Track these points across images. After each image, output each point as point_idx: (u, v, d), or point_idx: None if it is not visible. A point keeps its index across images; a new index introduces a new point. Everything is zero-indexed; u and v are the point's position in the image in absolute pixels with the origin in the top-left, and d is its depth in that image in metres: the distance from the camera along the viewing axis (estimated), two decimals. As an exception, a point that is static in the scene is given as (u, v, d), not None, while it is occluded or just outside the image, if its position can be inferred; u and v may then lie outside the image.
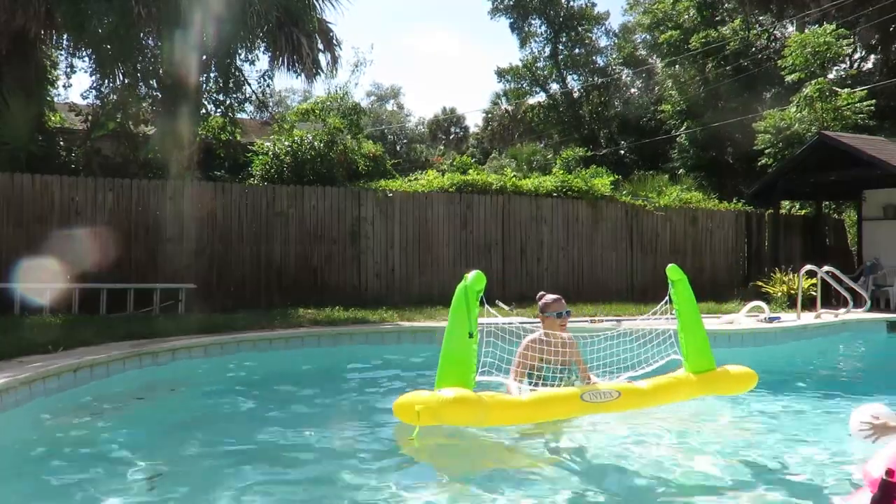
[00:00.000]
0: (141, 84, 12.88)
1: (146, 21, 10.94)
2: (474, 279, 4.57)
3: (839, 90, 19.56)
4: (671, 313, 5.39)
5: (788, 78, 21.19)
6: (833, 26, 20.64)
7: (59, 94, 15.23)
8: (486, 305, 4.95)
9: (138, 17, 10.70)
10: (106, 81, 12.87)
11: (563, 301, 5.43)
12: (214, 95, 13.79)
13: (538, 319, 5.57)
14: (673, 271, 5.40)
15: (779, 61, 21.80)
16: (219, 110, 14.13)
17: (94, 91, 13.26)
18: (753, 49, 26.08)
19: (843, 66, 24.32)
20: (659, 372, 5.37)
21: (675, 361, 5.44)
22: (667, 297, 5.48)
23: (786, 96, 21.89)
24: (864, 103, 18.99)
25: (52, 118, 14.24)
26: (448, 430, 4.80)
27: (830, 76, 21.38)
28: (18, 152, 11.25)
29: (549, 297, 5.43)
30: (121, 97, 12.99)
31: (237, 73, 13.48)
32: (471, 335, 4.47)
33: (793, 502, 3.80)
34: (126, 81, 12.57)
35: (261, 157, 14.36)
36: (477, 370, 4.62)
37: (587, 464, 4.57)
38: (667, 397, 5.25)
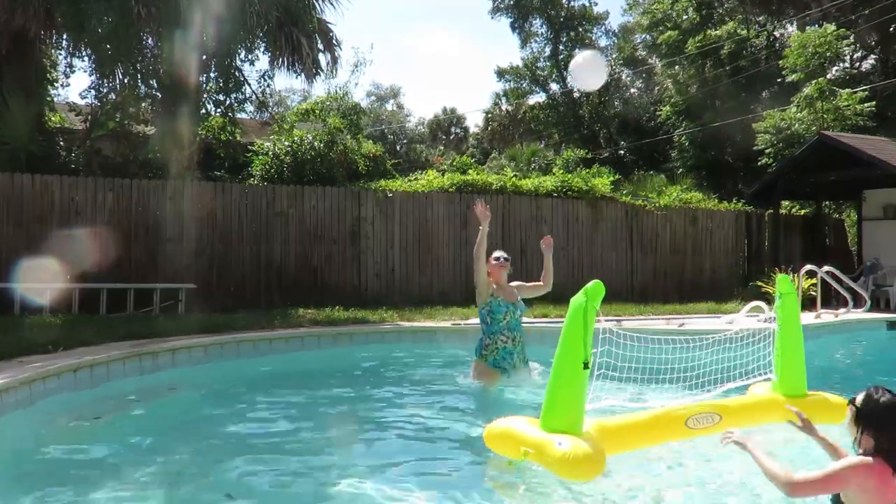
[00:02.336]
0: (141, 84, 12.89)
1: (146, 21, 10.95)
2: (593, 292, 3.85)
3: (839, 90, 19.56)
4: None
5: (789, 78, 21.19)
6: (834, 27, 20.64)
7: (58, 94, 15.24)
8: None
9: (138, 17, 10.70)
10: (105, 81, 12.88)
11: (503, 252, 6.69)
12: (214, 95, 13.79)
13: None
14: (783, 283, 5.04)
15: (780, 61, 21.78)
16: (219, 110, 14.13)
17: (93, 91, 13.28)
18: (753, 49, 26.08)
19: (844, 66, 24.31)
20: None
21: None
22: (772, 311, 5.17)
23: (785, 96, 21.89)
24: (865, 105, 19.00)
25: (52, 118, 14.24)
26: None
27: (830, 76, 21.38)
28: (18, 152, 11.25)
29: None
30: (120, 97, 12.99)
31: (237, 73, 13.48)
32: (586, 365, 3.78)
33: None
34: (126, 81, 12.57)
35: (261, 157, 14.36)
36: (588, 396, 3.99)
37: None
38: (758, 420, 4.87)
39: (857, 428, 3.17)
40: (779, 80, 23.39)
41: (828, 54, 20.43)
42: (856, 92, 19.50)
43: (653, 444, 4.40)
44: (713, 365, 5.20)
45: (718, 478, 4.20)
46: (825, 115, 18.93)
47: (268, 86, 14.82)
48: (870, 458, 3.06)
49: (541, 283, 6.71)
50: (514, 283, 6.70)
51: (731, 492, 4.00)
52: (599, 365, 4.40)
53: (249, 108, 15.69)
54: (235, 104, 14.19)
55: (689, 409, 4.52)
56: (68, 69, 14.10)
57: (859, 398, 3.18)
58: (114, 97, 13.15)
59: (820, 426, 4.82)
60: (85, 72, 14.29)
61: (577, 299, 3.86)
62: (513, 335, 6.29)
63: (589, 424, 3.96)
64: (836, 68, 22.70)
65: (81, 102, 14.09)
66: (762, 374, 5.21)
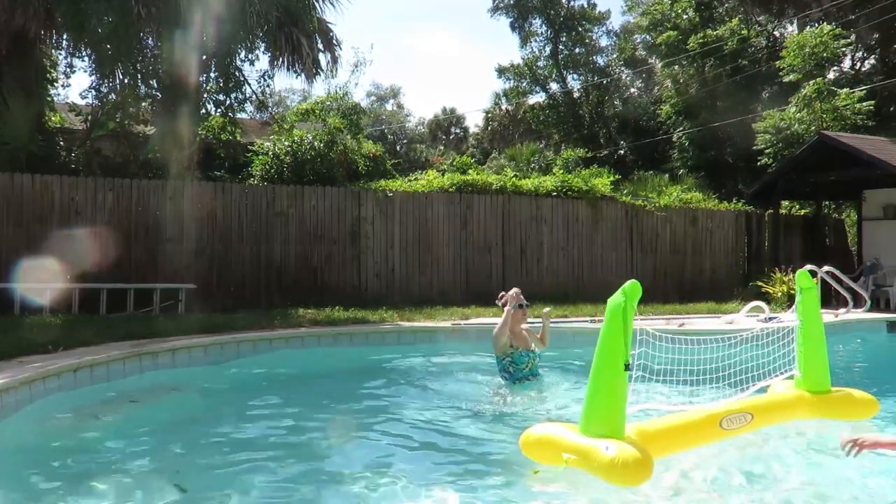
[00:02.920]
0: (141, 84, 12.88)
1: (146, 21, 10.94)
2: (631, 291, 3.75)
3: (838, 90, 19.56)
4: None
5: (787, 78, 21.18)
6: (830, 27, 20.63)
7: (58, 94, 15.23)
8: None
9: (138, 17, 10.69)
10: (106, 81, 12.88)
11: (522, 295, 6.38)
12: (214, 95, 13.79)
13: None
14: (803, 278, 5.02)
15: (777, 62, 21.77)
16: (219, 110, 14.13)
17: (93, 91, 13.27)
18: (753, 49, 26.07)
19: (844, 66, 24.30)
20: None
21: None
22: (794, 307, 5.13)
23: (785, 96, 21.88)
24: (864, 104, 18.99)
25: (52, 118, 14.24)
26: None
27: (829, 76, 21.36)
28: (18, 152, 11.25)
29: (512, 291, 6.35)
30: (120, 97, 12.99)
31: (237, 73, 13.48)
32: (627, 367, 3.72)
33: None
34: (126, 81, 12.57)
35: (261, 157, 14.36)
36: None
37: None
38: (787, 417, 4.87)
39: None
40: (778, 80, 23.38)
41: (825, 54, 20.41)
42: (854, 91, 19.49)
43: (689, 446, 4.33)
44: (734, 358, 5.13)
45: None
46: (824, 116, 18.93)
47: (268, 86, 14.83)
48: None
49: (541, 341, 6.50)
50: (524, 327, 6.54)
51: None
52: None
53: (249, 108, 15.71)
54: (235, 104, 14.19)
55: (722, 410, 4.45)
56: (68, 69, 14.11)
57: None
58: (114, 97, 13.14)
59: (843, 422, 4.87)
60: (85, 72, 14.30)
61: (615, 300, 3.74)
62: (536, 379, 6.33)
63: (629, 428, 3.86)
64: (834, 68, 22.67)
65: (81, 102, 14.10)
66: (786, 371, 5.17)
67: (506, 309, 6.21)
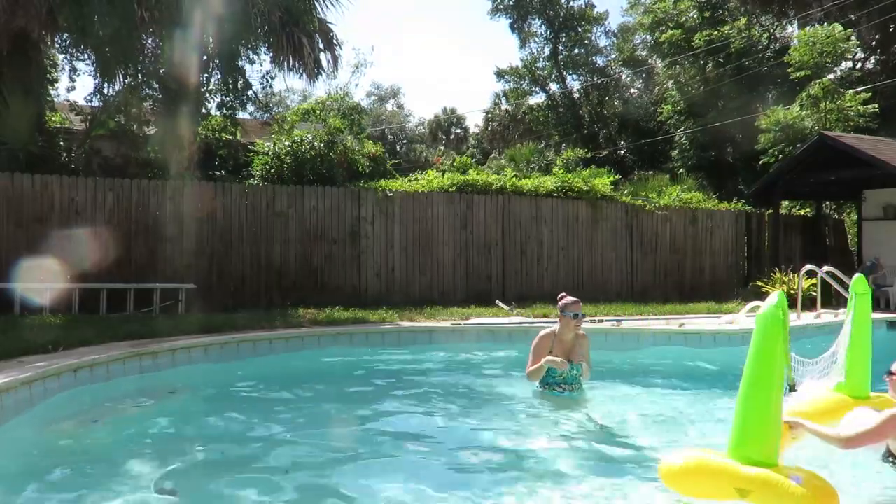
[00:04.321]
0: (143, 86, 12.88)
1: (148, 23, 10.93)
2: (783, 303, 3.37)
3: (843, 90, 19.53)
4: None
5: (794, 76, 21.06)
6: (840, 26, 20.59)
7: (59, 95, 15.24)
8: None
9: (141, 21, 10.69)
10: (108, 84, 12.87)
11: (581, 304, 6.08)
12: (216, 96, 13.79)
13: (553, 319, 6.02)
14: (859, 283, 5.08)
15: (785, 58, 21.67)
16: (221, 111, 14.14)
17: (98, 94, 13.24)
18: (754, 49, 26.04)
19: (848, 65, 24.26)
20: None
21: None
22: (849, 308, 5.14)
23: (787, 96, 21.85)
24: (868, 106, 18.96)
25: (52, 118, 14.23)
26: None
27: (832, 76, 21.33)
28: (18, 152, 11.25)
29: (569, 298, 6.06)
30: (123, 99, 12.99)
31: (239, 74, 13.48)
32: (792, 388, 3.55)
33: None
34: (128, 83, 12.57)
35: (261, 157, 14.36)
36: None
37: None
38: (830, 421, 4.67)
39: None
40: (782, 80, 23.35)
41: (835, 52, 20.34)
42: (859, 92, 19.47)
43: None
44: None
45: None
46: (828, 116, 18.91)
47: (270, 86, 14.84)
48: None
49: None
50: (581, 332, 6.14)
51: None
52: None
53: (250, 108, 15.71)
54: (236, 104, 14.20)
55: (791, 419, 4.25)
56: (73, 73, 14.06)
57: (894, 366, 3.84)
58: (116, 99, 13.14)
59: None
60: (88, 74, 14.28)
61: (771, 311, 3.36)
62: (570, 386, 6.07)
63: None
64: (839, 68, 22.63)
65: (86, 105, 14.08)
66: (833, 375, 5.17)
67: (545, 359, 5.79)
